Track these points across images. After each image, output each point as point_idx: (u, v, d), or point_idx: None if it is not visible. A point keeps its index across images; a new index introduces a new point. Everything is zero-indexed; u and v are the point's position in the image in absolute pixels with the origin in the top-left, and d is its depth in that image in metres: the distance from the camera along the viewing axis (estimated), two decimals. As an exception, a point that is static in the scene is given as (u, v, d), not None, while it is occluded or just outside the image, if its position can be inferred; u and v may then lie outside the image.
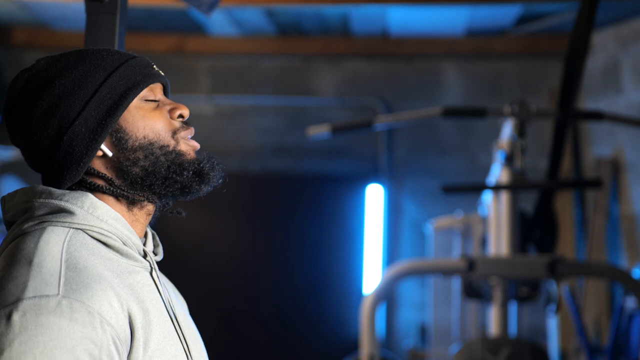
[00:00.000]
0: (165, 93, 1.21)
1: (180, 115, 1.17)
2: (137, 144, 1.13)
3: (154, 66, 1.19)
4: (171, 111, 1.17)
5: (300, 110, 5.11)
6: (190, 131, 1.17)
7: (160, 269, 1.20)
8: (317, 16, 4.65)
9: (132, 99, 1.13)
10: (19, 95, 1.14)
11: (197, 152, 1.17)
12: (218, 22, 4.74)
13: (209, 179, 1.16)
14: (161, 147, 1.14)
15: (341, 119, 4.97)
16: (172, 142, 1.15)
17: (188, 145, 1.16)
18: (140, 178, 1.13)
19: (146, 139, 1.13)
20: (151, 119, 1.14)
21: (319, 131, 3.29)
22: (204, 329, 1.28)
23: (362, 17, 4.62)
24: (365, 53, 5.07)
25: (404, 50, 5.03)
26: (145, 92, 1.15)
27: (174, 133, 1.15)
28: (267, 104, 5.13)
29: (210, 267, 4.92)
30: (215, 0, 1.80)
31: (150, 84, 1.16)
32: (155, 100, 1.16)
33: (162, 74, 1.20)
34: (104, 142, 1.12)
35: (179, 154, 1.15)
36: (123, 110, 1.12)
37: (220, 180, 1.18)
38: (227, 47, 5.09)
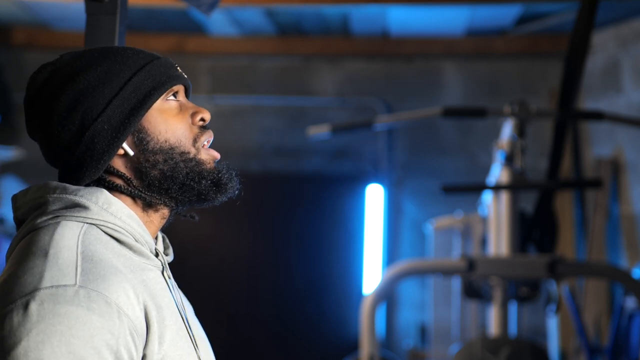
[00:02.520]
0: (186, 94, 1.21)
1: (202, 119, 1.17)
2: (158, 146, 1.13)
3: (178, 67, 1.19)
4: (193, 115, 1.17)
5: (300, 110, 5.11)
6: (209, 134, 1.18)
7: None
8: (317, 16, 4.65)
9: (156, 99, 1.13)
10: (42, 89, 1.13)
11: (217, 162, 1.18)
12: (218, 22, 4.74)
13: (227, 189, 1.17)
14: (181, 154, 1.14)
15: (341, 119, 4.97)
16: (192, 150, 1.15)
17: (208, 154, 1.17)
18: (158, 181, 1.13)
19: (167, 143, 1.13)
20: (173, 123, 1.14)
21: (319, 131, 3.29)
22: (203, 328, 1.29)
23: (362, 17, 4.62)
24: (365, 53, 5.07)
25: (404, 50, 5.03)
26: (168, 94, 1.16)
27: (195, 141, 1.15)
28: (267, 104, 5.13)
29: (210, 267, 4.93)
30: (215, 0, 1.80)
31: (174, 85, 1.16)
32: (178, 103, 1.17)
33: (185, 76, 1.20)
34: (125, 141, 1.12)
35: (199, 162, 1.15)
36: (147, 110, 1.12)
37: (237, 191, 1.20)
38: (227, 47, 5.09)
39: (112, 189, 1.13)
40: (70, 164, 1.12)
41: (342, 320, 4.82)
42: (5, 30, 5.00)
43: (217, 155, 1.18)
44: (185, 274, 4.78)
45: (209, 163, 1.16)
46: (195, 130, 1.16)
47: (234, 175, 1.19)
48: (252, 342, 4.85)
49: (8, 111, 4.89)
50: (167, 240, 1.25)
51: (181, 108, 1.17)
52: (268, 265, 4.94)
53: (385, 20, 4.67)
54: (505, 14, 4.50)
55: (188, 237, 4.80)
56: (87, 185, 1.13)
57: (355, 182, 4.98)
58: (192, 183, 1.14)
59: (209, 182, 1.15)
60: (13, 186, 4.59)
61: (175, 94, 1.17)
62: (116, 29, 1.47)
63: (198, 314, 1.29)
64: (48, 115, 1.12)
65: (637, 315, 3.64)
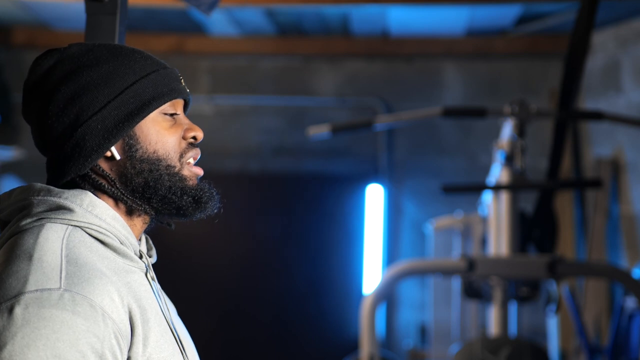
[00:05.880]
0: (185, 108, 1.22)
1: (194, 137, 1.18)
2: (145, 155, 1.14)
3: (182, 80, 1.20)
4: (186, 131, 1.18)
5: (300, 110, 5.11)
6: (196, 152, 1.19)
7: (158, 269, 1.21)
8: (317, 16, 4.65)
9: (154, 110, 1.14)
10: (45, 75, 1.14)
11: (199, 179, 1.19)
12: (218, 22, 4.74)
13: (206, 207, 1.18)
14: (167, 167, 1.15)
15: (341, 119, 4.97)
16: (178, 165, 1.16)
17: (191, 171, 1.17)
18: (141, 188, 1.14)
19: (155, 154, 1.14)
20: (165, 135, 1.15)
21: (319, 131, 3.29)
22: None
23: (362, 17, 4.62)
24: (365, 53, 5.07)
25: (404, 50, 5.03)
26: (166, 106, 1.16)
27: (181, 156, 1.16)
28: (267, 104, 5.13)
29: (209, 268, 4.92)
30: (215, 0, 1.80)
31: (174, 99, 1.17)
32: (173, 116, 1.17)
33: (187, 90, 1.21)
34: (115, 145, 1.13)
35: (182, 178, 1.16)
36: (142, 118, 1.13)
37: (215, 210, 1.20)
38: (227, 47, 5.09)
39: (97, 187, 1.13)
40: (59, 156, 1.13)
41: (342, 320, 4.82)
42: (5, 30, 5.00)
43: (200, 172, 1.19)
44: (185, 274, 4.78)
45: (192, 180, 1.17)
46: (184, 145, 1.17)
47: (214, 194, 1.20)
48: (252, 342, 4.85)
49: (8, 111, 4.89)
50: (150, 242, 1.25)
51: (176, 122, 1.17)
52: (268, 266, 4.94)
53: (385, 20, 4.66)
54: (505, 14, 4.50)
55: (187, 238, 4.80)
56: (72, 179, 1.13)
57: (355, 182, 4.97)
58: (173, 197, 1.15)
59: (190, 198, 1.16)
60: (13, 186, 4.59)
61: (173, 107, 1.17)
62: (116, 29, 1.47)
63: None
64: (45, 103, 1.12)
65: (637, 315, 3.64)
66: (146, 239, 1.24)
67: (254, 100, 5.14)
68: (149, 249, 1.24)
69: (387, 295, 4.37)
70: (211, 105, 5.11)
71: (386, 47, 5.04)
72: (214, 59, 5.14)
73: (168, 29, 4.96)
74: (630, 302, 3.67)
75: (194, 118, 1.23)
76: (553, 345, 4.43)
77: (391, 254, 4.93)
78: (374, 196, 4.95)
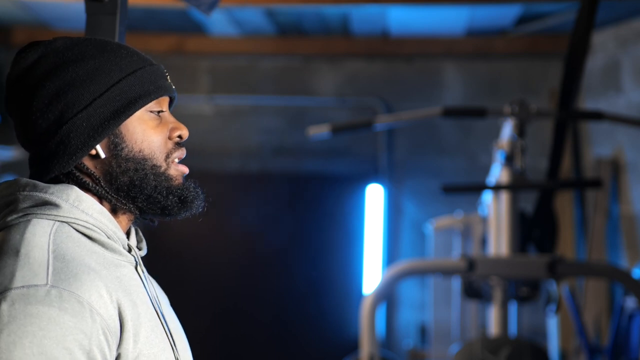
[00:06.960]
0: (170, 105, 1.21)
1: (179, 136, 1.17)
2: (131, 154, 1.12)
3: (168, 77, 1.19)
4: (172, 130, 1.17)
5: (300, 110, 5.11)
6: (182, 152, 1.18)
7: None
8: (317, 16, 4.65)
9: (140, 108, 1.13)
10: (28, 70, 1.12)
11: (185, 178, 1.18)
12: (218, 22, 4.74)
13: (191, 206, 1.18)
14: (153, 167, 1.14)
15: (341, 119, 4.96)
16: (163, 165, 1.15)
17: (177, 170, 1.17)
18: (126, 186, 1.13)
19: (141, 153, 1.13)
20: (150, 135, 1.14)
21: (319, 131, 3.29)
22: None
23: (362, 17, 4.62)
24: (365, 53, 5.07)
25: (404, 50, 5.03)
26: (152, 104, 1.15)
27: (167, 156, 1.15)
28: (267, 104, 5.13)
29: (209, 267, 4.92)
30: (215, 0, 1.80)
31: (160, 97, 1.16)
32: (159, 114, 1.16)
33: (174, 87, 1.20)
34: (100, 143, 1.11)
35: (168, 177, 1.15)
36: (128, 117, 1.12)
37: (200, 209, 1.20)
38: (227, 47, 5.09)
39: (81, 185, 1.12)
40: (43, 152, 1.11)
41: (342, 320, 4.82)
42: (5, 30, 5.00)
43: (186, 170, 1.18)
44: (184, 273, 4.77)
45: (177, 179, 1.16)
46: (170, 145, 1.16)
47: (199, 193, 1.19)
48: (252, 342, 4.85)
49: (8, 111, 4.89)
50: (140, 234, 1.24)
51: (162, 120, 1.16)
52: (268, 265, 4.94)
53: (385, 20, 4.66)
54: (505, 14, 4.50)
55: (187, 237, 4.80)
56: (56, 177, 1.12)
57: (355, 182, 4.97)
58: (159, 196, 1.14)
59: (176, 197, 1.15)
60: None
61: (159, 105, 1.16)
62: (116, 29, 1.47)
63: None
64: (29, 99, 1.10)
65: (637, 315, 3.64)
66: (136, 231, 1.22)
67: (254, 100, 5.14)
68: (138, 241, 1.22)
69: (387, 295, 4.38)
70: (211, 105, 5.11)
71: (386, 47, 5.04)
72: (214, 59, 5.14)
73: (168, 29, 4.96)
74: (630, 302, 3.67)
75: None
76: (553, 345, 4.43)
77: (391, 254, 4.93)
78: (374, 196, 4.95)
